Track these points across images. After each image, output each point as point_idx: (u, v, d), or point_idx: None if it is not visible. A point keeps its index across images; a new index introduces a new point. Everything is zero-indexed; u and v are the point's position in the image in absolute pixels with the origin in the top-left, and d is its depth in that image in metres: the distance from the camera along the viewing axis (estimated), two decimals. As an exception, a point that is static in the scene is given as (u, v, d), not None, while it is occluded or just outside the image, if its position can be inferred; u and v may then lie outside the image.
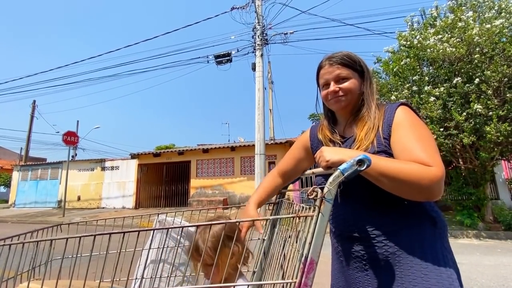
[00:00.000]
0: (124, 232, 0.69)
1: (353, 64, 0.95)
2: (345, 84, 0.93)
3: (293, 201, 1.14)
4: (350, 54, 0.96)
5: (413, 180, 0.70)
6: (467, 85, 5.68)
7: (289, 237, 0.97)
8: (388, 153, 0.84)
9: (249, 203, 1.10)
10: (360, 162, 0.66)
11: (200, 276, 1.15)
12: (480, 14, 6.08)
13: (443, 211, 8.56)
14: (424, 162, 0.73)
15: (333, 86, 0.94)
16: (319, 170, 0.83)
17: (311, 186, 0.74)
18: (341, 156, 0.72)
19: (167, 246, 1.10)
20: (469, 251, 4.88)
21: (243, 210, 1.11)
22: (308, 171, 1.07)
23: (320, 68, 0.99)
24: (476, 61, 5.62)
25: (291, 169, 1.14)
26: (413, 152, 0.77)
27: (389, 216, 0.82)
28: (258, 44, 9.13)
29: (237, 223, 0.92)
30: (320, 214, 0.65)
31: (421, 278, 0.75)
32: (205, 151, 12.90)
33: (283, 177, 1.16)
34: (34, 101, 20.25)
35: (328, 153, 0.76)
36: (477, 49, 5.61)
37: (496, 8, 5.94)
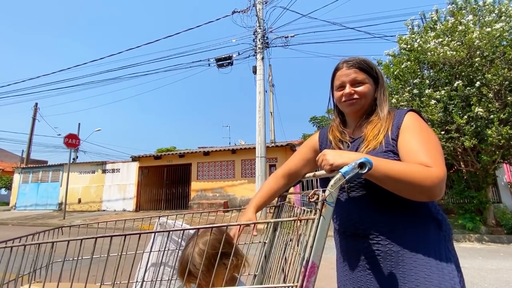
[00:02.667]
0: (125, 235, 0.69)
1: (370, 70, 0.97)
2: (360, 88, 0.95)
3: (294, 204, 1.14)
4: (367, 60, 0.99)
5: (415, 181, 0.72)
6: (468, 88, 5.69)
7: (291, 240, 0.97)
8: (395, 153, 0.86)
9: (249, 206, 1.08)
10: (361, 165, 0.66)
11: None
12: (480, 18, 6.09)
13: (445, 214, 8.49)
14: (426, 164, 0.76)
15: (348, 88, 0.96)
16: (321, 173, 0.83)
17: (312, 189, 0.74)
18: (344, 160, 0.73)
19: (168, 249, 1.10)
20: (471, 255, 4.85)
21: (242, 213, 1.09)
22: (309, 174, 1.08)
23: (336, 70, 1.01)
24: (476, 64, 5.62)
25: (298, 168, 1.12)
26: (418, 154, 0.79)
27: (394, 215, 0.83)
28: (259, 48, 9.17)
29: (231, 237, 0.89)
30: (321, 217, 0.65)
31: (424, 279, 0.75)
32: (206, 153, 12.90)
33: (288, 177, 1.14)
34: (36, 104, 20.36)
35: (331, 157, 0.76)
36: (478, 52, 5.62)
37: (496, 11, 5.96)
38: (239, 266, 0.90)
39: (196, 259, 0.85)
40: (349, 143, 0.99)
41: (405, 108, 0.97)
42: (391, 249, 0.80)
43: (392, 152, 0.85)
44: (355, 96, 0.95)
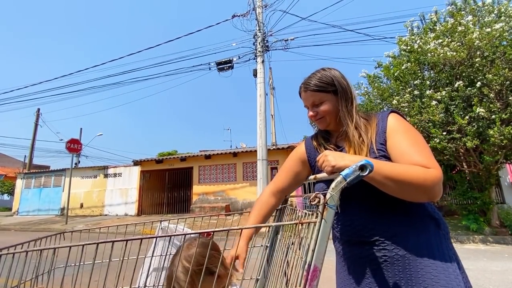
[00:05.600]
0: (127, 240, 0.69)
1: (326, 87, 0.98)
2: (321, 108, 0.99)
3: (296, 207, 1.14)
4: (322, 76, 0.99)
5: (417, 182, 0.72)
6: (468, 88, 5.67)
7: (292, 243, 0.96)
8: (387, 157, 0.86)
9: (242, 237, 0.97)
10: (362, 167, 0.66)
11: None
12: (480, 18, 6.10)
13: (448, 215, 8.44)
14: (423, 165, 0.76)
15: (310, 112, 1.03)
16: (322, 175, 0.83)
17: (314, 192, 0.74)
18: (346, 162, 0.73)
19: (170, 254, 1.10)
20: (475, 256, 4.80)
21: (234, 244, 0.96)
22: (311, 177, 1.07)
23: (299, 93, 1.06)
24: (477, 64, 5.62)
25: (289, 183, 1.11)
26: (412, 156, 0.80)
27: (395, 218, 0.83)
28: (259, 51, 9.21)
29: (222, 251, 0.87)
30: (323, 220, 0.64)
31: (431, 280, 0.75)
32: (207, 157, 12.91)
33: (279, 195, 1.12)
34: (38, 109, 20.50)
35: (333, 158, 0.76)
36: (478, 52, 5.62)
37: (495, 12, 5.97)
38: (226, 275, 0.86)
39: (181, 277, 0.81)
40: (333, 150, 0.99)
41: (385, 111, 0.98)
42: (398, 254, 0.80)
43: (384, 157, 0.86)
44: (318, 116, 1.01)
